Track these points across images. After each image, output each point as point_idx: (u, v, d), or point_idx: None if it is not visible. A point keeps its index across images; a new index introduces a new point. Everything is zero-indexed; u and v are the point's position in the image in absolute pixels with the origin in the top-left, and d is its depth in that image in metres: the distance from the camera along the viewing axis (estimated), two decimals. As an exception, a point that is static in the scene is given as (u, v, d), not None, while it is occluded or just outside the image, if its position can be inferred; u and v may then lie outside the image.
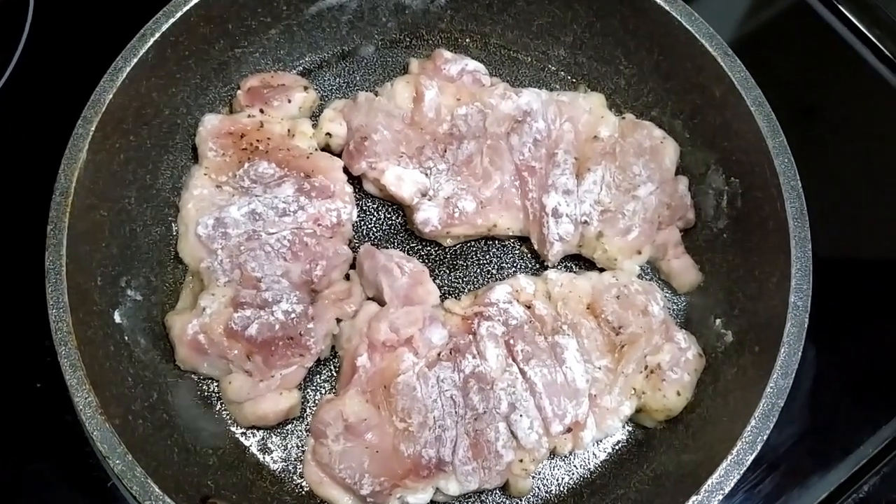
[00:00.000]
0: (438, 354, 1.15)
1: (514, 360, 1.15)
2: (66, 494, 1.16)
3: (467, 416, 1.11)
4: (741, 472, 1.02)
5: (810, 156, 1.21)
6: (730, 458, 1.02)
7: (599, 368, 1.17)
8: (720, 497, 1.01)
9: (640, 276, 1.27)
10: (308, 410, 1.20)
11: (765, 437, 1.03)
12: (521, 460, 1.12)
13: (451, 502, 1.14)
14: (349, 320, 1.19)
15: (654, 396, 1.17)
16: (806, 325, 1.08)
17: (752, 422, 1.04)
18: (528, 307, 1.20)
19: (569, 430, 1.14)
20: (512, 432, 1.12)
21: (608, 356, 1.18)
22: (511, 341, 1.16)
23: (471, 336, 1.16)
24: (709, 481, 1.01)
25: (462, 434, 1.11)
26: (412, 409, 1.10)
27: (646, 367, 1.18)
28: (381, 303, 1.19)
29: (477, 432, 1.11)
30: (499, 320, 1.17)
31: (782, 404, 1.05)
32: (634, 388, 1.18)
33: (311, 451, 1.12)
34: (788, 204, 1.14)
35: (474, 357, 1.14)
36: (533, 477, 1.17)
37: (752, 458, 1.02)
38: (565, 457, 1.20)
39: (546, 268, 1.28)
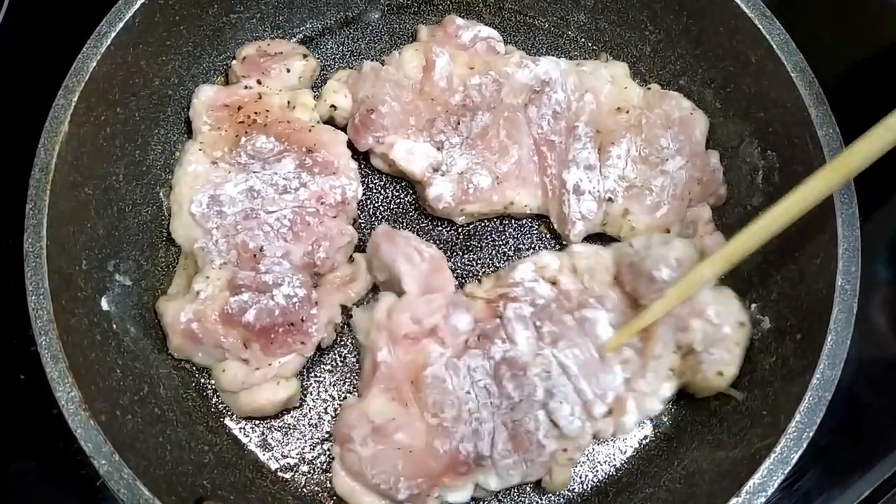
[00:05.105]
0: (465, 342, 1.08)
1: (543, 343, 1.08)
2: (54, 493, 1.11)
3: (503, 406, 1.05)
4: (786, 471, 0.95)
5: (855, 126, 1.11)
6: (773, 456, 0.95)
7: (629, 347, 1.09)
8: (762, 499, 0.94)
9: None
10: (311, 403, 1.14)
11: (811, 434, 0.96)
12: (564, 449, 1.06)
13: (484, 498, 1.09)
14: (366, 314, 1.12)
15: (696, 379, 1.10)
16: (855, 311, 1.01)
17: (797, 416, 0.96)
18: (554, 283, 1.12)
19: (611, 410, 1.07)
20: (552, 420, 1.05)
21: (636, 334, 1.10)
22: (538, 323, 1.09)
23: (497, 320, 1.09)
24: (750, 482, 0.94)
25: (500, 426, 1.04)
26: (444, 402, 1.03)
27: (679, 348, 1.10)
28: (391, 289, 1.12)
29: (515, 423, 1.04)
30: (525, 300, 1.10)
31: (829, 397, 0.98)
32: (672, 369, 1.10)
33: (340, 460, 1.05)
34: (834, 178, 1.05)
35: (503, 342, 1.07)
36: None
37: (797, 455, 0.96)
38: (589, 454, 1.14)
39: (566, 248, 1.20)
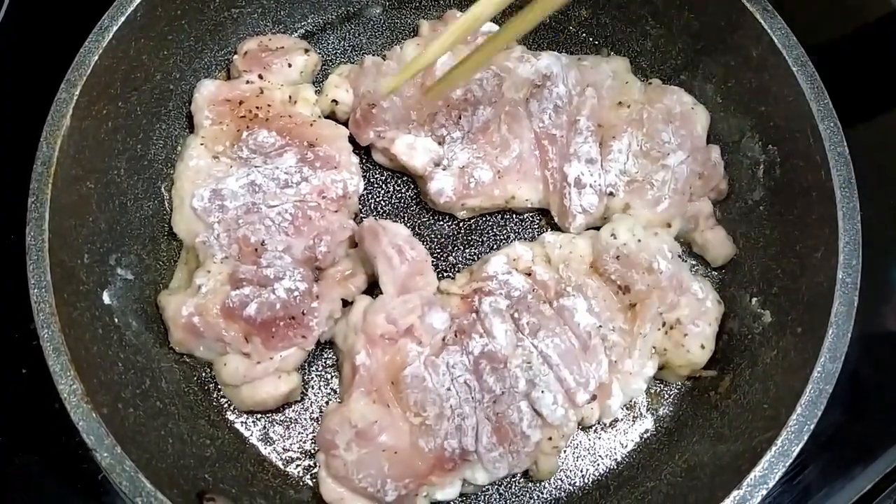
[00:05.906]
0: (443, 339, 1.07)
1: (522, 335, 1.08)
2: (56, 488, 1.11)
3: (485, 400, 1.05)
4: (787, 464, 0.95)
5: (857, 120, 1.12)
6: (774, 448, 0.95)
7: (613, 330, 1.10)
8: (764, 492, 0.94)
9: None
10: (313, 397, 1.14)
11: (812, 427, 0.96)
12: (549, 438, 1.06)
13: (476, 493, 1.09)
14: (343, 320, 1.12)
15: (677, 353, 1.11)
16: (856, 304, 1.01)
17: (798, 409, 0.96)
18: (529, 275, 1.13)
19: (594, 397, 1.07)
20: (535, 410, 1.05)
21: (620, 316, 1.12)
22: (516, 315, 1.09)
23: (474, 315, 1.09)
24: (751, 474, 0.94)
25: (483, 420, 1.04)
26: (425, 401, 1.03)
27: (664, 324, 1.11)
28: (376, 281, 1.11)
29: (498, 416, 1.04)
30: (500, 294, 1.10)
31: (830, 390, 0.98)
32: (655, 347, 1.11)
33: (325, 466, 1.04)
34: (835, 172, 1.05)
35: (481, 336, 1.07)
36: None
37: (798, 448, 0.95)
38: (590, 448, 1.14)
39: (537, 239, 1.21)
